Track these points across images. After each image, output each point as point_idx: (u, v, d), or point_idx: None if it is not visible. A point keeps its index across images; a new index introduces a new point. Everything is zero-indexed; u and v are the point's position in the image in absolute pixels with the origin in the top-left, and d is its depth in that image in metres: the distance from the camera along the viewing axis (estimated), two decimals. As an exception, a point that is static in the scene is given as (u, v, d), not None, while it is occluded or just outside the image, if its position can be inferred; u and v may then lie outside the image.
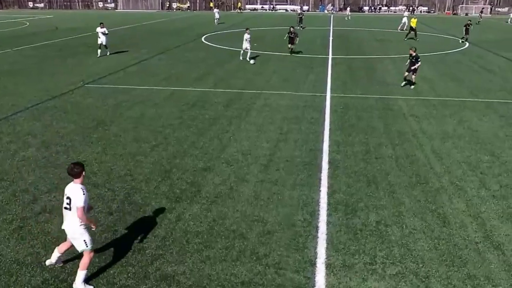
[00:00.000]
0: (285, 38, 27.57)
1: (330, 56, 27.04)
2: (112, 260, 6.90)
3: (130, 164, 10.51)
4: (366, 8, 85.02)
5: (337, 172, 10.17)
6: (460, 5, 79.95)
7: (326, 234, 7.65)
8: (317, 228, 7.85)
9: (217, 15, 51.14)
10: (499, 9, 79.83)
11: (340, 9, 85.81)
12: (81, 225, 6.10)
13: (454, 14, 77.90)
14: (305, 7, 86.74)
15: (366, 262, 6.91)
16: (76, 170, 6.06)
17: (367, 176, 9.94)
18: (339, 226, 7.92)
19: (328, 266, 6.81)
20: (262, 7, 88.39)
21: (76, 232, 6.15)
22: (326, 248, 7.26)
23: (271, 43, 33.60)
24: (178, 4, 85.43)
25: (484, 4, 79.50)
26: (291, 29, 27.20)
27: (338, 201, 8.81)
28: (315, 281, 6.48)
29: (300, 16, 48.57)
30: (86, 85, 18.58)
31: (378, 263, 6.90)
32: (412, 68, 18.38)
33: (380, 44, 33.53)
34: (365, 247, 7.29)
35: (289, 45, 27.24)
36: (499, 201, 8.84)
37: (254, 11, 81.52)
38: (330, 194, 9.07)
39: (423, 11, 79.59)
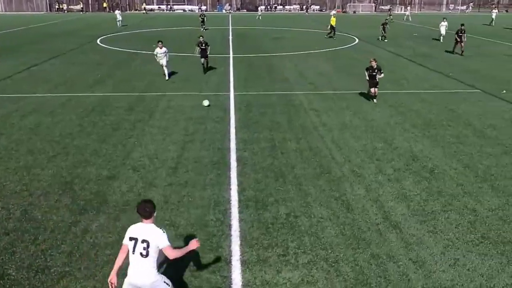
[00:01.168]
0: (195, 52, 22.18)
1: (231, 55, 27.33)
2: (10, 285, 6.35)
3: (25, 178, 9.73)
4: (262, 7, 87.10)
5: (246, 169, 10.32)
6: (349, 4, 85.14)
7: (239, 231, 7.74)
8: (230, 226, 7.91)
9: (119, 17, 48.15)
10: (382, 7, 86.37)
11: (238, 9, 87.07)
12: (158, 271, 5.32)
13: (344, 12, 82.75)
14: (203, 7, 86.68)
15: (280, 254, 7.11)
16: (148, 210, 5.22)
17: (275, 171, 10.22)
18: (251, 222, 8.05)
19: (243, 262, 6.90)
20: (159, 7, 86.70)
21: (156, 281, 5.23)
22: (240, 245, 7.35)
23: (172, 43, 33.06)
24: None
25: (368, 3, 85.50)
26: (201, 39, 21.41)
27: (248, 197, 8.95)
28: (231, 279, 6.52)
29: (202, 17, 45.95)
30: (-33, 96, 16.85)
31: (290, 253, 7.13)
32: (375, 81, 16.09)
33: (277, 42, 34.58)
34: (277, 240, 7.50)
35: (202, 60, 21.58)
36: (394, 184, 9.60)
37: (152, 12, 79.63)
38: (240, 192, 9.19)
39: (316, 10, 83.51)
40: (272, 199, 8.89)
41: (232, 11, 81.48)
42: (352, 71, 22.35)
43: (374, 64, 16.14)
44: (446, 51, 29.54)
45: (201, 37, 21.67)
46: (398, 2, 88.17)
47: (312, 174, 10.10)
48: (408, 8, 69.22)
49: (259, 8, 69.88)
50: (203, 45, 21.20)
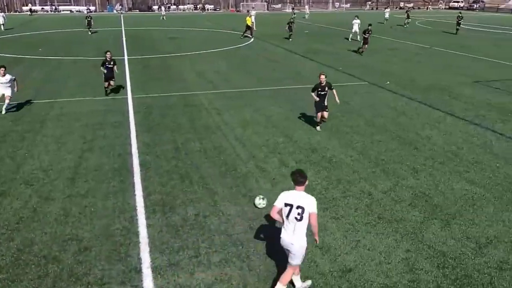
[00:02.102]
0: (103, 69, 16.75)
1: (126, 57, 26.39)
2: None
3: None
4: (155, 7, 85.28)
5: (150, 173, 10.06)
6: (242, 3, 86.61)
7: (148, 238, 7.53)
8: (137, 233, 7.66)
9: (1, 20, 42.79)
10: (274, 6, 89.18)
11: (130, 9, 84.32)
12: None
13: (238, 11, 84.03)
14: (92, 7, 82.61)
15: (191, 256, 7.05)
16: (303, 178, 5.83)
17: (180, 173, 10.09)
18: (159, 227, 7.87)
19: (154, 269, 6.73)
20: (42, 8, 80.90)
21: (302, 246, 5.84)
22: (150, 251, 7.16)
23: (60, 46, 31.08)
24: None
25: (261, 2, 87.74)
26: (108, 55, 16.62)
27: (155, 202, 8.73)
28: (143, 287, 6.33)
29: (88, 19, 41.21)
30: None
31: (202, 254, 7.10)
32: (324, 104, 12.94)
33: (173, 42, 34.11)
34: (188, 242, 7.42)
35: (107, 84, 16.90)
36: (297, 176, 9.97)
37: (35, 13, 74.00)
38: (146, 197, 8.93)
39: (210, 9, 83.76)
40: (179, 201, 8.77)
41: (123, 12, 78.65)
42: (248, 69, 22.79)
43: (323, 80, 12.54)
44: (351, 51, 31.29)
45: (108, 53, 16.71)
46: (288, 1, 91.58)
47: (218, 172, 10.14)
48: (306, 7, 71.05)
49: (162, 8, 67.82)
50: (111, 63, 16.65)
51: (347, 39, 35.13)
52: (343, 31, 39.78)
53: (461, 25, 40.42)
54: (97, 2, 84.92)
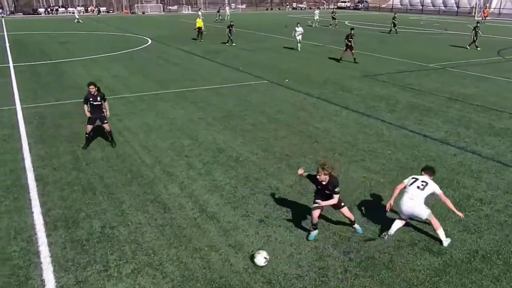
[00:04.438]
0: (86, 111, 11.71)
1: (11, 64, 24.33)
2: None
3: None
4: (41, 10, 79.71)
5: (48, 187, 9.40)
6: (136, 4, 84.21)
7: (51, 257, 7.03)
8: (38, 253, 7.12)
9: None
10: (170, 8, 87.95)
11: (12, 12, 77.85)
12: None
13: (133, 13, 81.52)
14: (-34, 11, 74.93)
15: (100, 270, 6.72)
16: (433, 171, 7.75)
17: (82, 185, 9.56)
18: (62, 243, 7.39)
19: (60, 289, 6.31)
20: None
21: (422, 211, 7.32)
22: (54, 271, 6.69)
23: None
24: None
25: (156, 3, 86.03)
26: (92, 89, 11.49)
27: (55, 218, 8.18)
28: (48, 310, 5.91)
29: None
30: None
31: (112, 267, 6.80)
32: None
33: (64, 47, 32.14)
34: (95, 256, 7.06)
35: (90, 128, 11.78)
36: (205, 177, 9.97)
37: None
38: (45, 213, 8.33)
39: (103, 11, 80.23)
40: (83, 214, 8.31)
41: (4, 15, 72.38)
42: (147, 72, 22.24)
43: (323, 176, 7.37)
44: (332, 58, 31.53)
45: (91, 87, 11.49)
46: (184, 3, 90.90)
47: (123, 180, 9.77)
48: (227, 8, 68.12)
49: (75, 10, 62.57)
50: (97, 99, 11.60)
51: (294, 48, 30.20)
52: (243, 31, 40.43)
53: (396, 26, 41.10)
54: (-28, 5, 77.17)
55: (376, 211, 8.47)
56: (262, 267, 6.76)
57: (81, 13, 78.85)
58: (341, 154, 11.32)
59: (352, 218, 7.68)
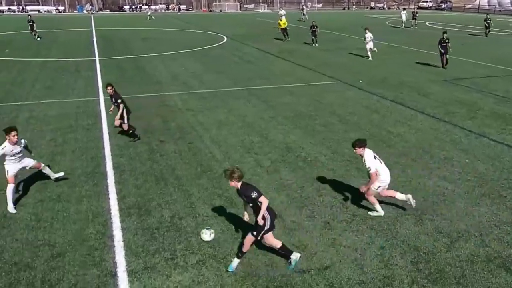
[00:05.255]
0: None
1: (98, 58, 25.95)
2: None
3: None
4: (126, 7, 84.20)
5: (124, 176, 9.92)
6: (215, 3, 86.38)
7: (123, 241, 7.42)
8: (112, 237, 7.55)
9: None
10: (247, 6, 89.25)
11: (100, 9, 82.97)
12: None
13: (210, 11, 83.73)
14: (61, 8, 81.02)
15: (167, 258, 6.98)
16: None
17: (155, 175, 9.98)
18: (134, 230, 7.77)
19: (130, 272, 6.64)
20: (9, 8, 78.81)
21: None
22: (125, 255, 7.06)
23: (25, 48, 30.34)
24: None
25: (234, 2, 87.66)
26: (109, 90, 11.87)
27: (129, 205, 8.62)
28: (119, 291, 6.25)
29: (31, 22, 36.15)
30: None
31: (178, 256, 7.05)
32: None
33: (146, 43, 33.73)
34: (164, 244, 7.35)
35: None
36: (272, 175, 10.02)
37: (2, 14, 71.98)
38: (120, 200, 8.81)
39: (183, 9, 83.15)
40: (154, 204, 8.68)
41: (93, 12, 77.31)
42: (221, 69, 22.73)
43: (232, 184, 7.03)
44: (410, 60, 29.70)
45: (108, 88, 11.92)
46: (261, 1, 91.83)
47: (193, 174, 10.08)
48: (304, 7, 68.14)
49: (148, 9, 66.27)
50: (112, 100, 12.02)
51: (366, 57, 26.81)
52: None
53: (490, 29, 39.12)
54: (66, 2, 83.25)
55: (449, 222, 8.05)
56: (210, 240, 7.31)
57: (163, 11, 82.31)
58: (415, 160, 10.88)
59: (278, 246, 6.74)
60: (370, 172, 7.93)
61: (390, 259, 7.01)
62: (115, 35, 38.83)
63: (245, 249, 6.64)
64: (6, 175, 8.48)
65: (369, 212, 8.35)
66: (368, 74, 21.40)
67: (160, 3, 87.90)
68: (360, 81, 19.65)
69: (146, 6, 75.93)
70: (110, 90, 11.89)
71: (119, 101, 11.92)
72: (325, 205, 8.70)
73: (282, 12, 38.77)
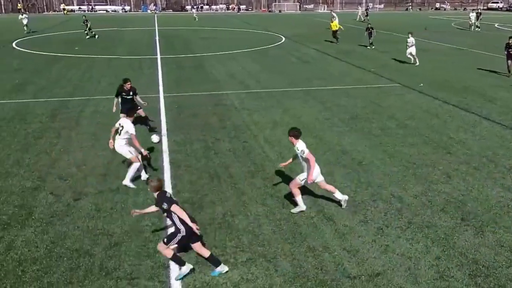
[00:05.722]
0: (114, 105, 12.80)
1: (159, 56, 26.83)
2: None
3: None
4: (188, 7, 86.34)
5: (179, 171, 10.19)
6: (274, 3, 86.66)
7: (176, 235, 7.61)
8: (166, 230, 7.77)
9: (25, 20, 40.49)
10: (306, 6, 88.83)
11: (164, 9, 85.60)
12: None
13: (270, 11, 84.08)
14: (127, 7, 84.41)
15: (218, 254, 7.08)
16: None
17: (209, 172, 10.17)
18: (188, 224, 7.95)
19: (182, 266, 6.80)
20: (79, 8, 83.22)
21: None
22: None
23: (95, 45, 31.89)
24: None
25: (293, 2, 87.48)
26: (127, 85, 12.54)
27: (184, 199, 8.83)
28: (170, 284, 6.41)
29: (85, 22, 36.44)
30: None
31: (229, 253, 7.14)
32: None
33: (205, 42, 34.43)
34: (215, 240, 7.48)
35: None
36: (326, 177, 9.85)
37: (73, 13, 76.12)
38: (175, 194, 9.04)
39: (242, 9, 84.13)
40: (208, 200, 8.85)
41: (157, 11, 79.93)
42: (278, 69, 22.76)
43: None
44: (473, 64, 30.58)
45: (127, 83, 12.51)
46: (321, 2, 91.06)
47: (246, 172, 10.17)
48: (359, 7, 66.76)
49: (193, 9, 68.41)
50: (129, 93, 12.58)
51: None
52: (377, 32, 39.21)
53: None
54: (131, 2, 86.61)
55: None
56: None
57: (223, 11, 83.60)
58: (477, 169, 10.37)
59: (206, 255, 6.64)
60: (304, 155, 7.96)
61: (446, 270, 6.72)
62: (176, 34, 39.93)
63: (167, 256, 6.59)
64: (130, 155, 9.43)
65: (291, 210, 8.37)
66: (429, 77, 20.63)
67: (221, 3, 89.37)
68: (421, 85, 18.99)
69: (190, 7, 77.44)
70: (128, 85, 12.49)
71: (136, 92, 12.71)
72: (379, 210, 8.49)
73: (334, 14, 37.82)
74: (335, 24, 33.60)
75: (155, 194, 6.57)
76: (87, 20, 36.94)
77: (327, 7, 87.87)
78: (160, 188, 6.56)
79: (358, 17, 58.00)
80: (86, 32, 36.65)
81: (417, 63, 24.07)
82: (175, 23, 53.56)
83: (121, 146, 9.40)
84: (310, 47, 31.61)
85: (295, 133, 8.27)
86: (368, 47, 30.86)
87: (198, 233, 6.52)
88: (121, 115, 10.99)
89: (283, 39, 36.04)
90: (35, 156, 11.03)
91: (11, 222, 7.97)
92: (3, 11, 74.67)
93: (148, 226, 7.89)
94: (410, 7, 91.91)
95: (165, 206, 6.37)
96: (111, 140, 9.42)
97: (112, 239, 7.48)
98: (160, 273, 6.63)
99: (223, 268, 6.63)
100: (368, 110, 15.23)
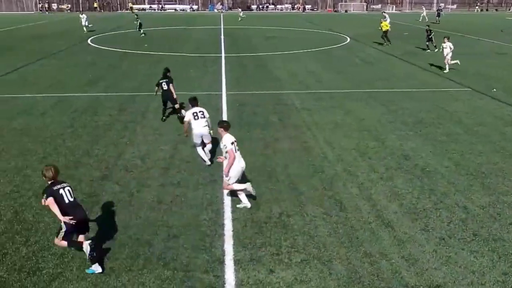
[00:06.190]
0: (156, 93, 14.39)
1: (223, 55, 27.30)
2: (1, 287, 6.30)
3: (16, 180, 9.66)
4: (254, 6, 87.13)
5: (238, 168, 10.29)
6: (340, 3, 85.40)
7: (232, 231, 7.73)
8: (223, 226, 7.90)
9: (84, 21, 40.58)
10: (373, 6, 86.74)
11: (230, 8, 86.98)
12: None
13: (335, 11, 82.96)
14: (195, 6, 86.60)
15: (273, 253, 7.11)
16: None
17: (267, 170, 10.21)
18: (244, 221, 8.05)
19: (236, 262, 6.90)
20: (150, 7, 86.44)
21: None
22: (233, 244, 7.34)
23: (162, 43, 33.03)
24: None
25: (360, 2, 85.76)
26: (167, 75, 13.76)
27: (241, 197, 8.93)
28: (225, 278, 6.52)
29: (137, 20, 37.96)
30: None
31: (283, 253, 7.14)
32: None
33: (269, 42, 34.59)
34: (270, 239, 7.50)
35: (165, 108, 13.97)
36: (386, 182, 9.63)
37: (143, 11, 79.29)
38: (232, 191, 9.16)
39: (308, 9, 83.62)
40: (265, 199, 8.89)
41: (224, 10, 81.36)
42: (341, 70, 22.40)
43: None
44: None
45: (167, 73, 13.68)
46: (389, 2, 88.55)
47: (304, 173, 10.11)
48: (423, 7, 64.82)
49: (240, 10, 68.92)
50: (168, 82, 13.52)
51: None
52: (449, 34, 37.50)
53: None
54: (199, 1, 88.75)
55: None
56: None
57: (288, 10, 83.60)
58: (553, 182, 9.65)
59: (63, 245, 6.78)
60: (226, 149, 8.15)
61: (513, 288, 6.32)
62: (241, 33, 40.43)
63: (65, 245, 6.73)
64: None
65: (238, 205, 8.47)
66: (505, 82, 19.46)
67: (286, 3, 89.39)
68: (494, 90, 17.95)
69: (239, 10, 77.58)
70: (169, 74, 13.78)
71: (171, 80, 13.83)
72: (442, 220, 8.13)
73: (386, 14, 36.15)
74: (386, 24, 31.98)
75: (47, 184, 6.69)
76: (138, 19, 38.18)
77: (395, 7, 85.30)
78: (52, 178, 6.62)
79: (422, 17, 55.48)
80: (139, 30, 37.63)
81: (446, 70, 22.12)
82: (240, 22, 54.26)
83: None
84: (375, 48, 30.85)
85: (225, 125, 8.48)
86: (427, 51, 28.99)
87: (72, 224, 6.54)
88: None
89: (348, 39, 35.44)
90: (104, 147, 11.61)
91: (79, 208, 8.44)
92: (81, 9, 79.13)
93: (205, 220, 8.06)
94: (478, 8, 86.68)
95: (44, 197, 6.54)
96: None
97: (171, 231, 7.72)
98: (215, 267, 6.76)
99: (92, 269, 6.62)
100: (433, 114, 14.62)
